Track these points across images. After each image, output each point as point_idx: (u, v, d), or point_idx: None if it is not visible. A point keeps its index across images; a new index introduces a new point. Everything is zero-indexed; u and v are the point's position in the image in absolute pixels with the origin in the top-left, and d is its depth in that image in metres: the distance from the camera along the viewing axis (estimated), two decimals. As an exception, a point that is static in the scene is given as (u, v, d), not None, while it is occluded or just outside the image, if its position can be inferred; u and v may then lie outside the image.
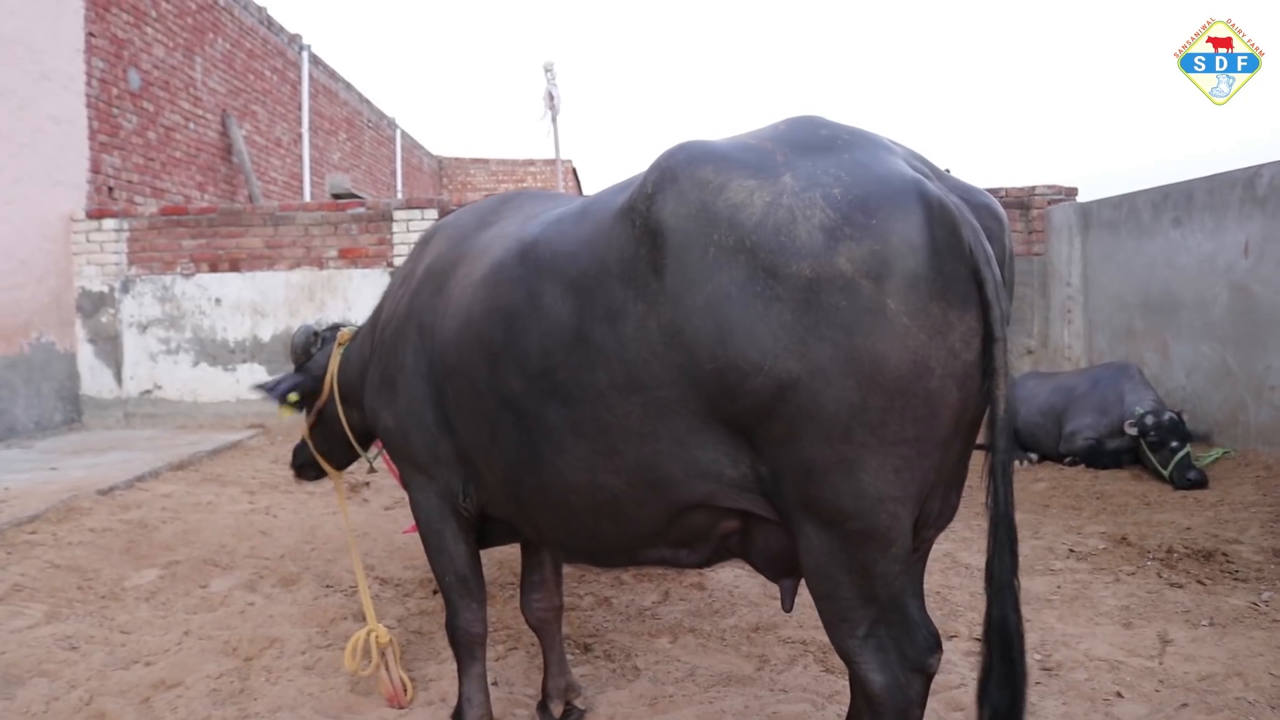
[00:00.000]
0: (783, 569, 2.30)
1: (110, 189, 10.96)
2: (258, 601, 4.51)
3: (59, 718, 3.27)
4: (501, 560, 4.87)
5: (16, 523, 5.59)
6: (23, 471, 7.29)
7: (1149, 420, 6.71)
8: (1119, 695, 3.33)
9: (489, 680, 3.25)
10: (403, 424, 2.97)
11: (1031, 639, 3.88)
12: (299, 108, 17.03)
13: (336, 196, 17.85)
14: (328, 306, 10.31)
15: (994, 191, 9.87)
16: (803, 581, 2.22)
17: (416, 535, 3.39)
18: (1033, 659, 3.67)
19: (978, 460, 2.11)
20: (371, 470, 4.43)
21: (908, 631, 2.08)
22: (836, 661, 3.52)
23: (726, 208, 1.96)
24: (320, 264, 10.45)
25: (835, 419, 1.89)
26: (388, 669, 3.42)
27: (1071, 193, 10.27)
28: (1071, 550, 5.18)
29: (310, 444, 3.83)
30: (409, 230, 10.30)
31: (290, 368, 3.88)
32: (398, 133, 23.69)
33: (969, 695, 3.02)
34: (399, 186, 23.46)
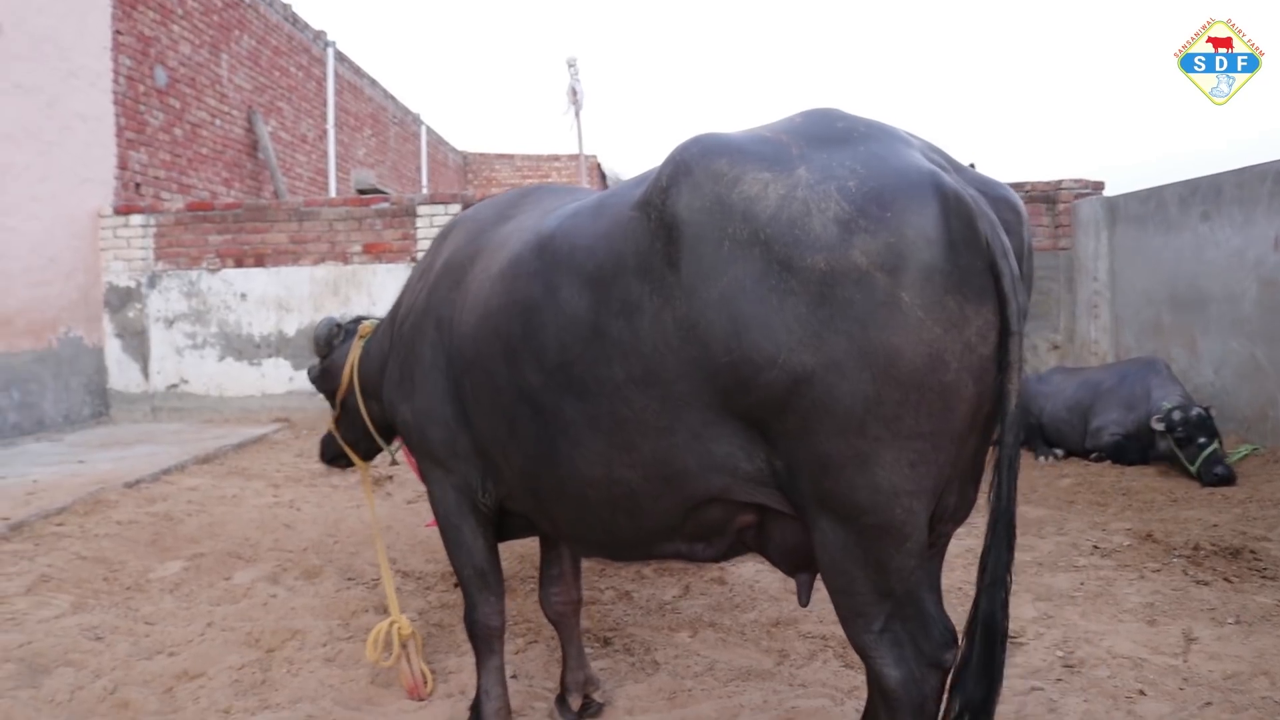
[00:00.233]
0: (799, 563, 2.29)
1: (137, 185, 11.07)
2: (280, 594, 4.55)
3: (83, 706, 3.31)
4: (521, 554, 4.88)
5: (44, 514, 5.68)
6: (51, 464, 7.39)
7: (1176, 416, 6.61)
8: (1142, 693, 3.29)
9: (508, 673, 3.26)
10: (421, 418, 2.99)
11: (1054, 635, 3.86)
12: (324, 104, 17.13)
13: (361, 192, 17.96)
14: (352, 301, 10.35)
15: (1019, 186, 9.77)
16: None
17: (438, 529, 3.41)
18: (1055, 655, 3.65)
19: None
20: (394, 463, 4.46)
21: (924, 626, 2.07)
22: (856, 657, 3.49)
23: (741, 200, 1.95)
24: (345, 259, 10.51)
25: (850, 413, 1.88)
26: (409, 661, 3.44)
27: (1098, 186, 10.12)
28: (1096, 546, 5.13)
29: (336, 435, 3.87)
30: (433, 225, 10.31)
31: (314, 361, 3.92)
32: (422, 128, 23.76)
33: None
34: (424, 182, 23.55)
